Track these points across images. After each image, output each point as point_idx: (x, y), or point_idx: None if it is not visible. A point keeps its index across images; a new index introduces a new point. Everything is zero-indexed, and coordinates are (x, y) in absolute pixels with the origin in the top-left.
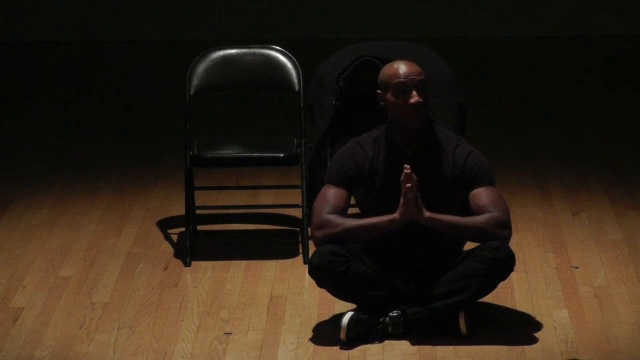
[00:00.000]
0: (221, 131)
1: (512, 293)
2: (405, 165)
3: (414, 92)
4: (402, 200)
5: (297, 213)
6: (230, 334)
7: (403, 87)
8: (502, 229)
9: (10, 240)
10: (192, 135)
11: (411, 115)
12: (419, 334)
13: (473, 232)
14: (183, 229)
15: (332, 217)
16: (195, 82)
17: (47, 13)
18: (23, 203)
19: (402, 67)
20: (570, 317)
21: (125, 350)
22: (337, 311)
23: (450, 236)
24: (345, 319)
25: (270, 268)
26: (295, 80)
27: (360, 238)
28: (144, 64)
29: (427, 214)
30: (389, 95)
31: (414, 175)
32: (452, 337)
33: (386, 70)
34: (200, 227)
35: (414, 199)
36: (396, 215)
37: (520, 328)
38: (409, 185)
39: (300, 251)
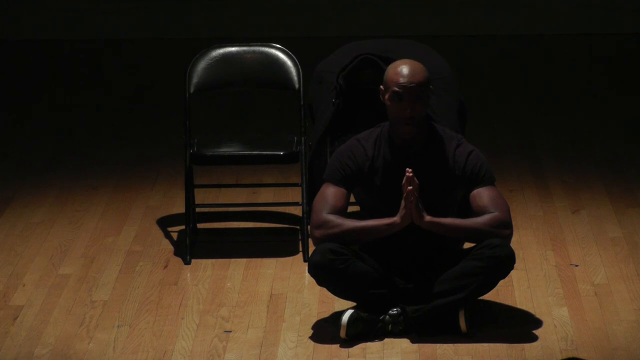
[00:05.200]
0: (221, 129)
1: (512, 291)
2: (407, 169)
3: (407, 105)
4: (402, 203)
5: (297, 211)
6: (230, 331)
7: (398, 96)
8: (503, 229)
9: (10, 238)
10: (192, 133)
11: (401, 126)
12: (419, 332)
13: (474, 234)
14: (183, 227)
15: (332, 217)
16: (195, 80)
17: (47, 12)
18: (23, 201)
19: (404, 73)
20: (570, 315)
21: (125, 348)
22: (337, 309)
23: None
24: (345, 317)
25: (270, 266)
26: (295, 78)
27: (359, 240)
28: (144, 62)
29: (428, 218)
30: (386, 98)
31: (415, 179)
32: (452, 335)
33: (390, 71)
34: (200, 225)
35: (414, 203)
36: (396, 219)
37: (520, 326)
38: (410, 188)
39: (300, 249)
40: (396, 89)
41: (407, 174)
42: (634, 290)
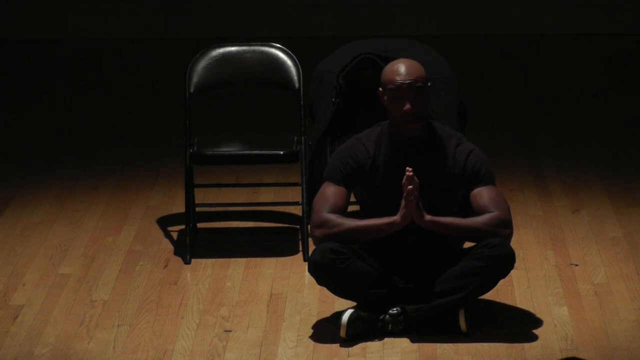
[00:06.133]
0: (221, 129)
1: (512, 291)
2: (407, 168)
3: (407, 101)
4: (402, 203)
5: (297, 210)
6: (230, 331)
7: (397, 94)
8: (503, 228)
9: (11, 237)
10: (192, 133)
11: (403, 123)
12: (419, 332)
13: (474, 233)
14: (183, 227)
15: (332, 216)
16: (195, 79)
17: (47, 12)
18: (23, 201)
19: (400, 71)
20: (570, 315)
21: (125, 347)
22: (337, 309)
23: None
24: (345, 317)
25: (270, 265)
26: (295, 77)
27: (359, 239)
28: (144, 62)
29: (428, 217)
30: (385, 98)
31: (415, 178)
32: (452, 334)
33: (387, 71)
34: (200, 225)
35: (415, 202)
36: (396, 218)
37: (520, 326)
38: (410, 187)
39: (300, 249)
40: (393, 87)
41: (407, 173)
42: (634, 289)
